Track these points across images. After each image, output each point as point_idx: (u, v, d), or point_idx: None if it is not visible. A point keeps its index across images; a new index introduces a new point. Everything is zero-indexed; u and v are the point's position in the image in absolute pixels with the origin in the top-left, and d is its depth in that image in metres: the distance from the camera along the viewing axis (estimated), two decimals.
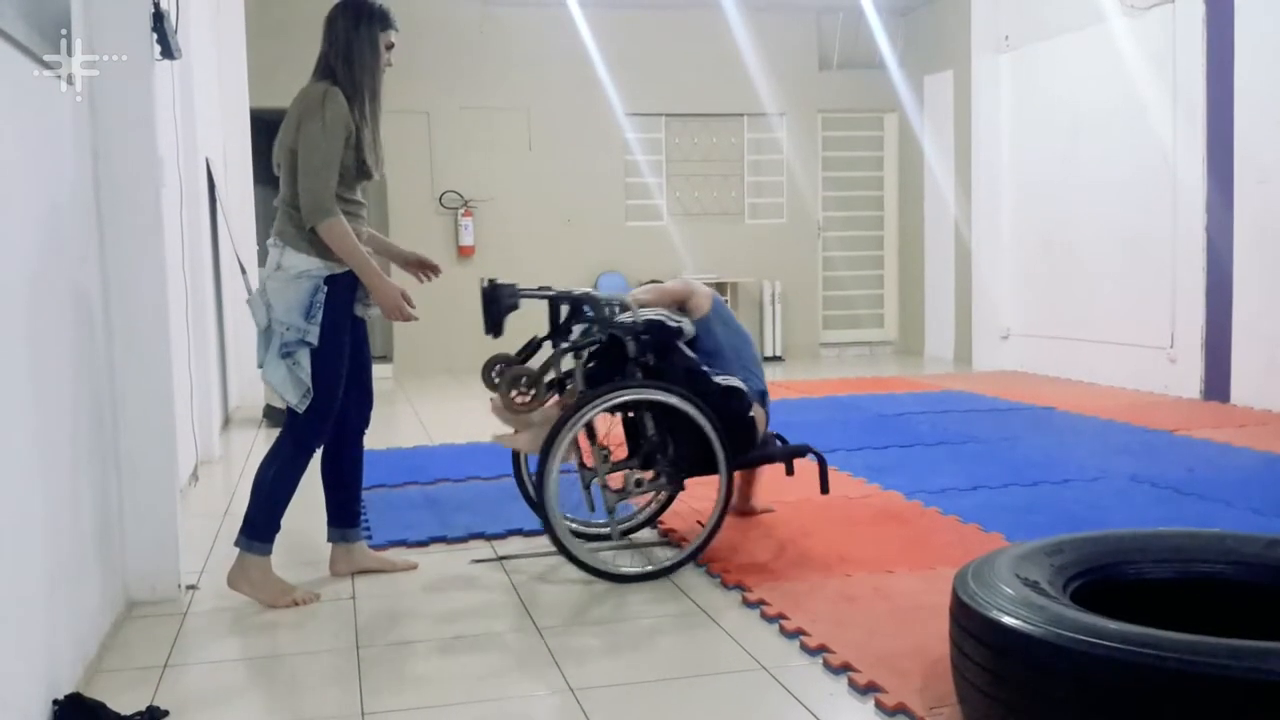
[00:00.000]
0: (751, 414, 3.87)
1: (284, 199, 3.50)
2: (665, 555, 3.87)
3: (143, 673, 2.97)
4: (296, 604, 3.51)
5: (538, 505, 3.77)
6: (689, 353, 3.86)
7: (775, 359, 10.86)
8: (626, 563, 3.82)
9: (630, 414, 3.90)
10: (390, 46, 3.64)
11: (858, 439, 6.14)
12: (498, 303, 3.77)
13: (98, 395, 3.24)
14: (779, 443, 4.22)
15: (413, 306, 3.63)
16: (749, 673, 2.90)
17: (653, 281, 4.46)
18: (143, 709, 2.67)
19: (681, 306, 4.09)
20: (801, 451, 4.03)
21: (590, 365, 3.84)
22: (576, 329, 3.87)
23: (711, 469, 3.74)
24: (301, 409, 3.47)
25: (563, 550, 3.66)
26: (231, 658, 3.15)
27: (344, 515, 3.82)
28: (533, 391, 3.77)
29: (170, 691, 2.85)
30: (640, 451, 3.85)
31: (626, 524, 4.15)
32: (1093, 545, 2.74)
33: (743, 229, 11.01)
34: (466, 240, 10.22)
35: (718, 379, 3.82)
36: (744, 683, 2.85)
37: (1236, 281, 7.16)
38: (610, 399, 3.65)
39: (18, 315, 2.50)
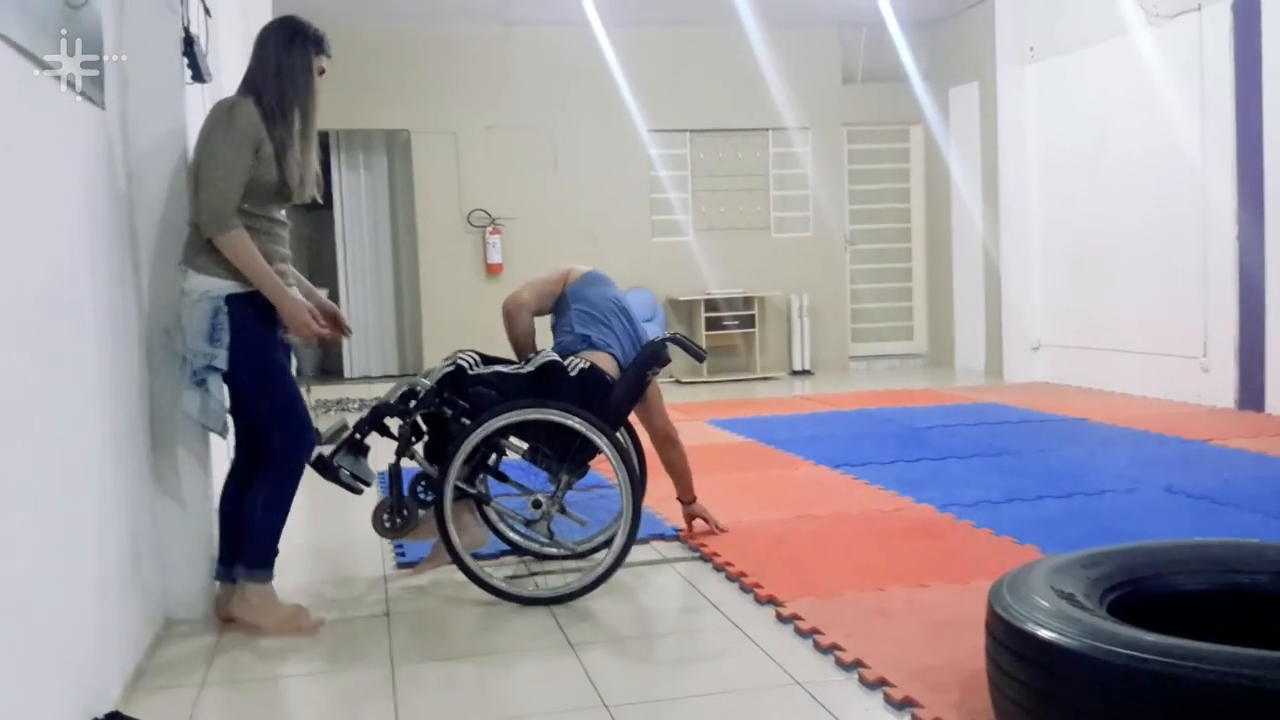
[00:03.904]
0: (578, 370, 3.74)
1: (189, 218, 3.38)
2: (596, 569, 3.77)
3: (181, 691, 3.00)
4: (300, 631, 3.41)
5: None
6: (486, 370, 3.78)
7: (804, 373, 10.84)
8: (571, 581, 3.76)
9: (495, 454, 3.89)
10: (321, 72, 3.50)
11: (889, 452, 6.11)
12: (329, 474, 3.66)
13: (134, 414, 3.27)
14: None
15: (322, 325, 3.49)
16: (784, 688, 2.89)
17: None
18: None
19: (565, 285, 4.18)
20: (655, 352, 3.89)
21: (428, 450, 3.85)
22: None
23: (590, 446, 3.68)
24: (225, 436, 3.38)
25: (471, 576, 3.68)
26: (268, 675, 3.17)
27: (239, 553, 3.50)
28: (399, 516, 3.75)
29: (208, 709, 2.87)
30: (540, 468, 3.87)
31: (591, 542, 4.08)
32: (1129, 557, 2.72)
33: (769, 243, 11.00)
34: (495, 258, 10.27)
35: (525, 370, 3.76)
36: (779, 698, 2.84)
37: (1269, 288, 7.08)
38: (456, 465, 3.60)
39: (58, 336, 2.53)
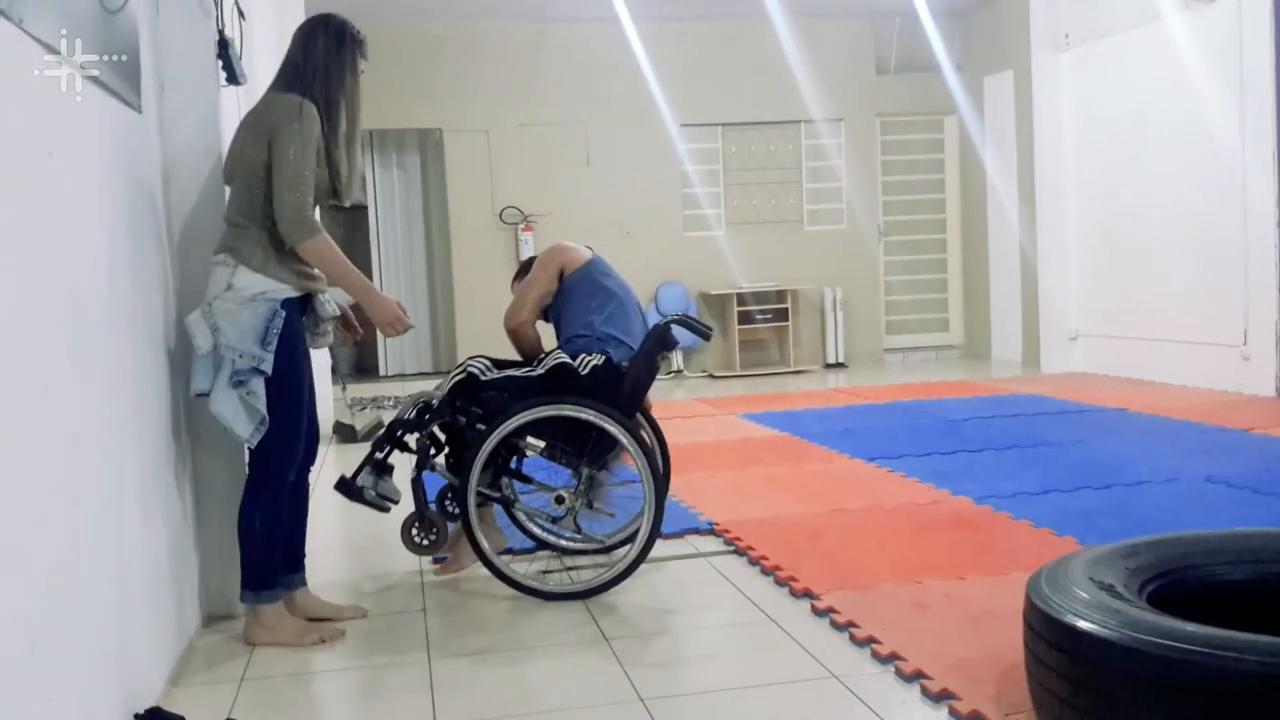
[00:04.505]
0: (590, 367, 3.72)
1: (239, 213, 3.26)
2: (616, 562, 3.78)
3: (221, 686, 3.03)
4: (323, 642, 3.35)
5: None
6: (498, 375, 3.77)
7: (838, 366, 10.80)
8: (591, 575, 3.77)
9: (516, 457, 3.90)
10: (361, 73, 3.46)
11: (925, 444, 6.08)
12: (355, 496, 3.69)
13: (171, 414, 3.31)
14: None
15: (410, 321, 3.50)
16: (820, 681, 2.89)
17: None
18: None
19: (562, 272, 4.05)
20: (662, 336, 3.76)
21: (449, 460, 3.84)
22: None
23: (607, 438, 3.66)
24: (254, 442, 3.22)
25: (501, 577, 3.70)
26: (307, 670, 3.19)
27: (287, 560, 3.48)
28: (431, 531, 3.76)
29: (248, 704, 2.90)
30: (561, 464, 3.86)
31: (622, 533, 4.05)
32: (1168, 547, 2.69)
33: (802, 236, 10.96)
34: (527, 255, 10.28)
35: (535, 372, 3.74)
36: (815, 691, 2.83)
37: None
38: (476, 471, 3.60)
39: (95, 337, 2.56)
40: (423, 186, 10.89)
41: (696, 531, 4.43)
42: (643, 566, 3.93)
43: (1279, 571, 2.63)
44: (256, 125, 3.28)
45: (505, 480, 3.94)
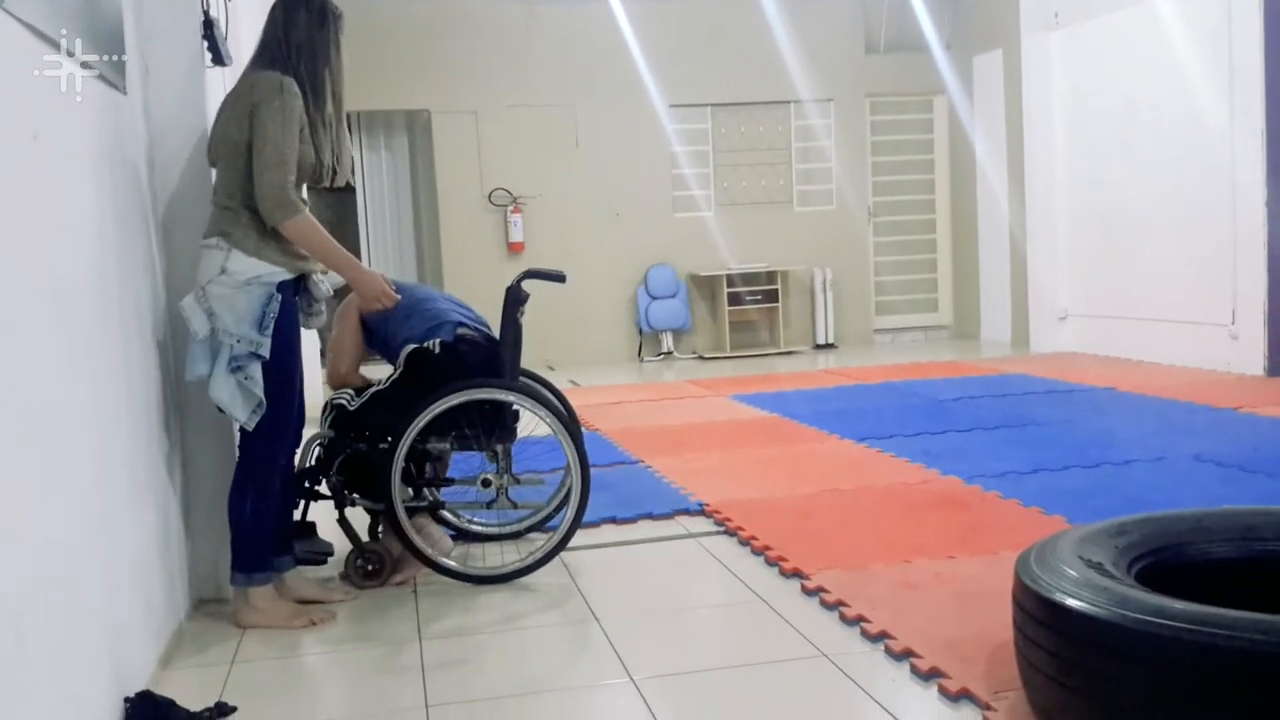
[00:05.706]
0: (440, 345, 3.70)
1: (227, 195, 3.23)
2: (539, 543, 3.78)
3: (211, 669, 3.03)
4: (314, 624, 3.34)
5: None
6: (364, 398, 3.72)
7: (828, 347, 10.81)
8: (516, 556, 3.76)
9: (429, 463, 3.87)
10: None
11: (915, 424, 6.09)
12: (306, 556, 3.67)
13: (161, 398, 3.29)
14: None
15: (396, 294, 3.52)
16: (810, 660, 2.89)
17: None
18: (211, 705, 2.71)
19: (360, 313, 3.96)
20: (515, 295, 3.77)
21: (356, 492, 3.77)
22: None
23: (507, 410, 3.68)
24: (251, 425, 3.21)
25: (431, 565, 3.66)
26: (297, 652, 3.20)
27: (277, 543, 3.44)
28: (374, 563, 3.72)
29: (239, 687, 2.90)
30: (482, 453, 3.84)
31: (560, 494, 4.03)
32: (1157, 525, 2.70)
33: (792, 217, 10.95)
34: (516, 237, 10.27)
35: (395, 375, 3.71)
36: (805, 670, 2.84)
37: None
38: (395, 485, 3.56)
39: (83, 322, 2.55)
40: (411, 168, 10.84)
41: (687, 512, 4.43)
42: (634, 547, 3.96)
43: (1267, 549, 2.64)
44: (237, 104, 3.25)
45: (426, 490, 3.89)
